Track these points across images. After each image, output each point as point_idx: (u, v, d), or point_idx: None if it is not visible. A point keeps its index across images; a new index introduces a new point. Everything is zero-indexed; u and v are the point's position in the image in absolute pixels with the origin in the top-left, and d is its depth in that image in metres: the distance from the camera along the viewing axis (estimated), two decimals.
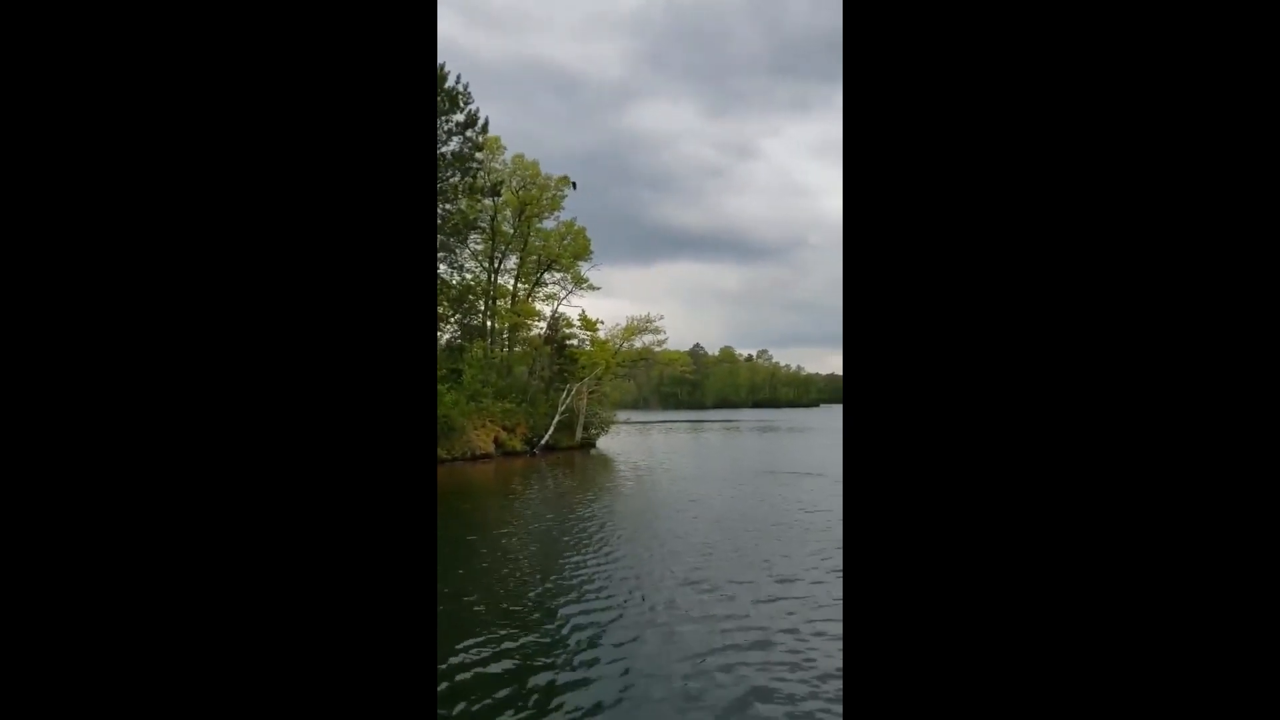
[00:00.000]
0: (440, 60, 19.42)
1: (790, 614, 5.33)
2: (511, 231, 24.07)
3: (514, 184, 23.45)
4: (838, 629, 4.99)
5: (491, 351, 23.30)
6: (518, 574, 6.60)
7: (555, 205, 24.10)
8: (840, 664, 4.33)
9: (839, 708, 3.75)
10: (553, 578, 6.46)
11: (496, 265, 24.34)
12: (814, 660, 4.40)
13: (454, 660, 4.33)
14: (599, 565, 6.93)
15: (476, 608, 5.52)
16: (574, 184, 23.77)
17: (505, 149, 23.29)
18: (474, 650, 4.53)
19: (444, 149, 18.96)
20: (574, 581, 6.32)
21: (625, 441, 26.76)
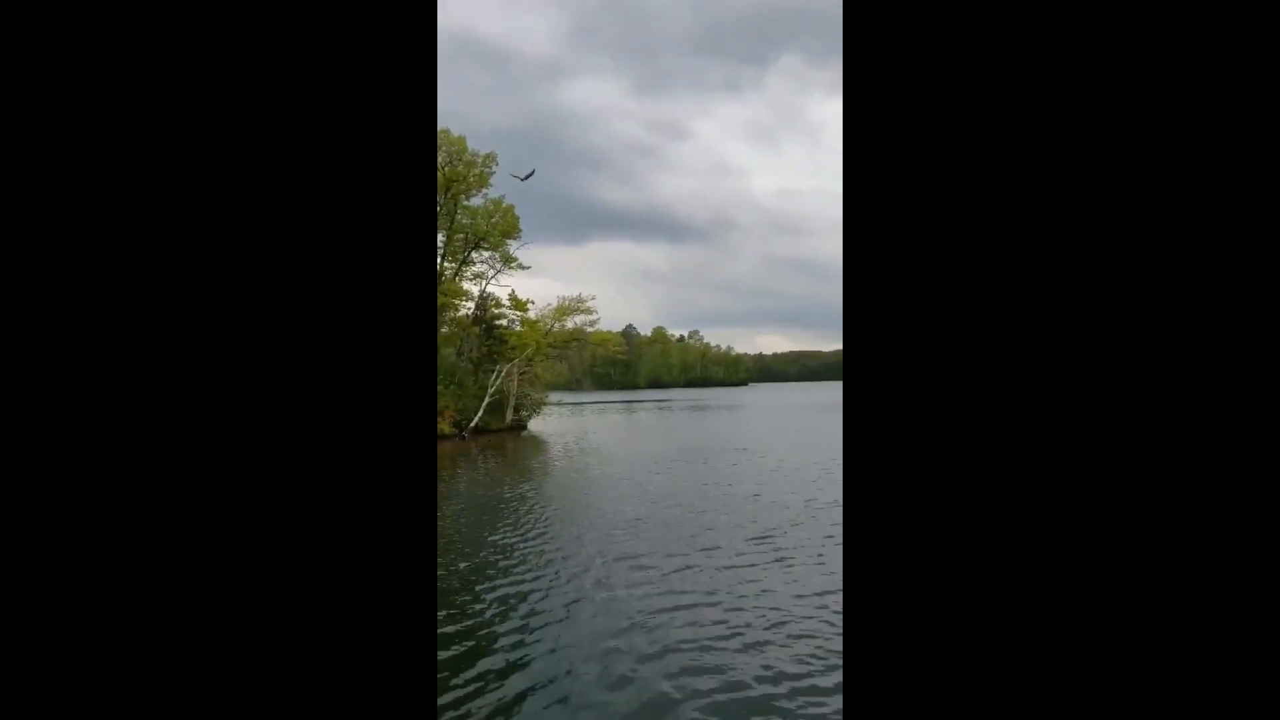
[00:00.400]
0: None
1: (711, 578, 5.63)
2: (437, 208, 23.39)
3: (440, 159, 22.73)
4: (754, 589, 5.31)
5: None
6: (446, 556, 6.61)
7: (483, 182, 23.55)
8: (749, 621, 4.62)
9: (751, 656, 4.02)
10: (480, 554, 6.51)
11: None
12: (728, 620, 4.67)
13: None
14: (526, 544, 7.04)
15: None
16: (526, 175, 23.38)
17: None
18: None
19: None
20: (497, 558, 6.40)
21: (558, 423, 26.72)
